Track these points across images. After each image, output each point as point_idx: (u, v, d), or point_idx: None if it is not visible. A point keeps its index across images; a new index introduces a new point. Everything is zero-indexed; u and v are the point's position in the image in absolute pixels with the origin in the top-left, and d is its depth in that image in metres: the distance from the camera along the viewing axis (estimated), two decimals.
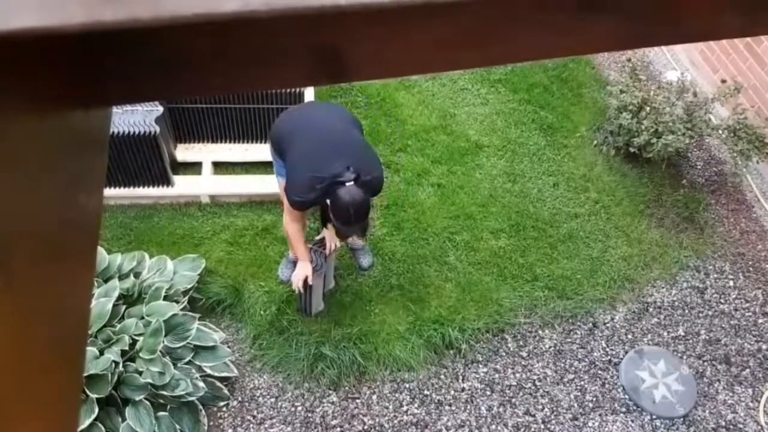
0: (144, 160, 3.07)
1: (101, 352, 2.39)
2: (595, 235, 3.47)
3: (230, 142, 3.47)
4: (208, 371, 2.57)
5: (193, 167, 3.43)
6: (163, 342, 2.43)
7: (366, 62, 0.26)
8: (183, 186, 3.30)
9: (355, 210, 2.21)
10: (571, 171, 3.72)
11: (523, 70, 4.27)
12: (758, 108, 3.77)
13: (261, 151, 3.40)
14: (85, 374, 2.32)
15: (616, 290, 3.30)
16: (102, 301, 2.50)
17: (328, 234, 2.72)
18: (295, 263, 3.10)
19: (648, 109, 3.44)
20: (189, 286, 2.79)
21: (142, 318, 2.53)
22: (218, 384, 2.63)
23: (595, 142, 3.84)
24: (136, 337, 2.46)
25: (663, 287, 3.37)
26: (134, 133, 2.96)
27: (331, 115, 2.49)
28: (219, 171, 3.48)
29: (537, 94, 4.12)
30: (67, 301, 0.28)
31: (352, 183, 2.21)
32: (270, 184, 3.37)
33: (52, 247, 0.25)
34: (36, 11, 0.18)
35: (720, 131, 3.50)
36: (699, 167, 3.90)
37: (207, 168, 3.40)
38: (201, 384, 2.46)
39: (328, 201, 2.27)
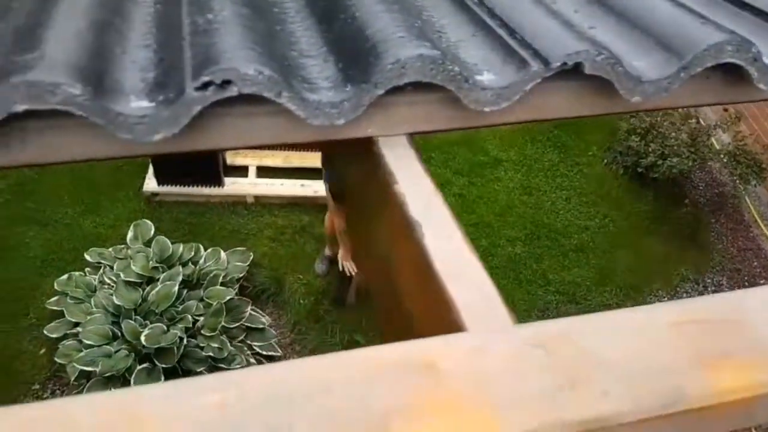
0: (202, 163, 3.42)
1: (168, 329, 2.72)
2: (604, 247, 3.78)
3: (274, 149, 3.83)
4: (257, 350, 2.89)
5: (240, 171, 3.79)
6: (222, 322, 2.76)
7: None
8: (232, 187, 3.64)
9: None
10: (582, 186, 4.05)
11: None
12: (757, 135, 4.09)
13: (300, 159, 3.76)
14: (155, 346, 2.64)
15: (621, 297, 3.60)
16: (168, 284, 2.83)
17: None
18: (329, 259, 3.45)
19: (655, 132, 3.77)
20: (240, 275, 3.12)
21: (201, 300, 2.86)
22: (265, 362, 2.95)
23: (605, 160, 4.16)
24: (197, 317, 2.79)
25: (664, 297, 3.67)
26: None
27: None
28: (262, 175, 3.83)
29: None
30: None
31: None
32: (307, 189, 3.74)
33: None
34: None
35: (721, 156, 3.82)
36: (701, 188, 4.22)
37: (252, 172, 3.76)
38: (252, 360, 2.78)
39: None
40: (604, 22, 0.71)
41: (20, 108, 0.45)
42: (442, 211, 0.52)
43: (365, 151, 0.61)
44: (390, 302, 0.60)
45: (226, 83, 0.50)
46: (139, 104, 0.51)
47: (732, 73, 0.70)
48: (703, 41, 0.64)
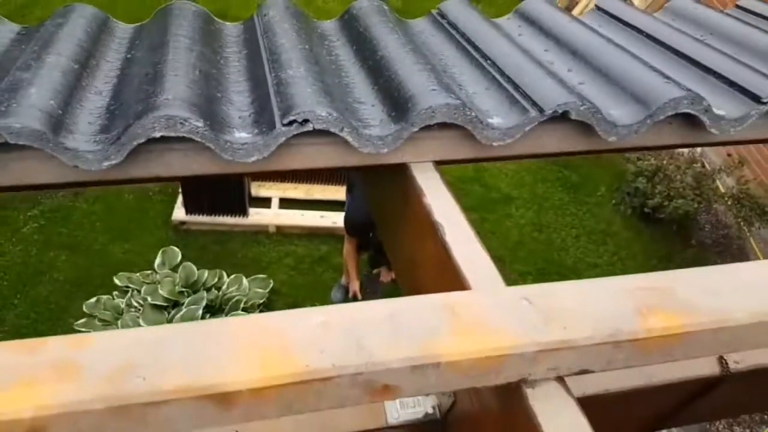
0: (229, 194, 3.64)
1: None
2: None
3: (296, 182, 4.05)
4: None
5: (264, 202, 4.00)
6: None
7: None
8: (255, 217, 3.85)
9: None
10: (591, 225, 4.19)
11: None
12: (760, 180, 4.23)
13: (321, 192, 3.97)
14: None
15: None
16: (192, 308, 2.98)
17: (384, 270, 3.23)
18: (345, 288, 3.59)
19: (661, 175, 3.93)
20: (260, 301, 3.27)
21: None
22: None
23: (613, 201, 4.32)
24: None
25: None
26: None
27: None
28: (284, 206, 4.04)
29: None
30: None
31: None
32: (326, 220, 3.93)
33: None
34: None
35: (726, 199, 3.95)
36: (707, 229, 4.33)
37: (275, 203, 3.97)
38: None
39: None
40: (592, 79, 0.89)
41: (158, 134, 0.63)
42: (458, 216, 0.69)
43: (399, 175, 0.78)
44: (414, 283, 0.77)
45: (305, 121, 0.67)
46: (240, 135, 0.68)
47: (690, 120, 0.88)
48: (665, 96, 0.81)
